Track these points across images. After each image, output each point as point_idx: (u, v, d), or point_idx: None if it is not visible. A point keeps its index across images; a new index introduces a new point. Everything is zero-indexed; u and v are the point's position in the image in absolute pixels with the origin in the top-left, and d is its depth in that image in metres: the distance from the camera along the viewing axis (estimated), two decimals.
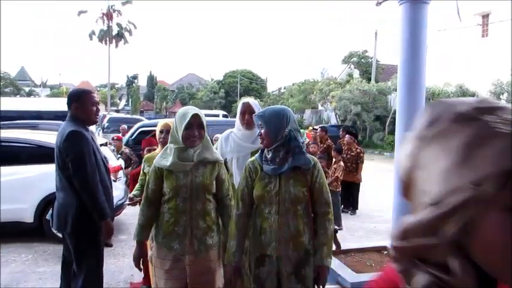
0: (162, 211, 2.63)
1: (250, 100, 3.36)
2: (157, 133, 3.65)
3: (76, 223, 3.04)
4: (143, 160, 3.74)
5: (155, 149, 4.05)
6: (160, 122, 3.73)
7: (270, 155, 2.36)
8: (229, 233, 2.47)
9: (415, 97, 3.56)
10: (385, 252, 3.87)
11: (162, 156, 2.64)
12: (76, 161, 2.97)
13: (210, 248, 2.62)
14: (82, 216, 3.03)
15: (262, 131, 2.33)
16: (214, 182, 2.64)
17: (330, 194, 2.43)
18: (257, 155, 2.48)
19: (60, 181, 3.12)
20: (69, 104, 3.16)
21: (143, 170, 3.69)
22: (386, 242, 4.26)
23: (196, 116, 2.54)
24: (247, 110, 3.21)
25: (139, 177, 3.80)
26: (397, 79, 3.76)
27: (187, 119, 2.51)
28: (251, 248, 2.42)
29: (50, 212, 3.30)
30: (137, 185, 3.79)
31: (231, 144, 3.24)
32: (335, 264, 3.46)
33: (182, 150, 2.57)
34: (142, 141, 4.88)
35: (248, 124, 3.18)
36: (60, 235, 5.50)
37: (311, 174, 2.36)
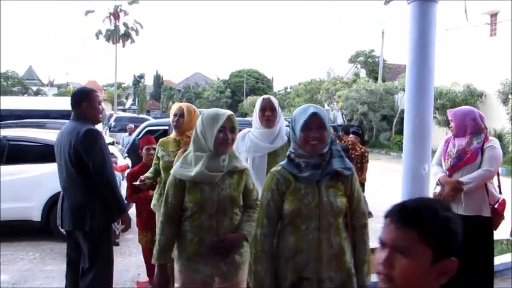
0: (184, 229, 2.31)
1: (271, 96, 3.16)
2: (171, 117, 3.63)
3: (94, 221, 3.06)
4: (158, 144, 3.70)
5: (154, 148, 4.03)
6: (174, 105, 3.70)
7: (305, 160, 2.05)
8: (255, 256, 2.12)
9: (423, 97, 3.52)
10: None
11: (183, 166, 2.30)
12: (99, 160, 3.02)
13: (239, 267, 2.35)
14: (99, 215, 3.08)
15: (317, 135, 2.01)
16: (241, 194, 2.35)
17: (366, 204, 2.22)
18: (284, 163, 2.13)
19: (71, 180, 3.11)
20: (77, 102, 3.15)
21: (157, 154, 3.65)
22: None
23: (230, 118, 2.27)
24: (268, 106, 3.01)
25: (153, 162, 3.78)
26: (406, 79, 3.73)
27: (222, 121, 2.22)
28: (284, 271, 2.06)
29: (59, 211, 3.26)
30: (151, 169, 3.79)
31: (248, 144, 3.05)
32: None
33: (211, 158, 2.25)
34: (141, 140, 4.77)
35: (268, 122, 3.00)
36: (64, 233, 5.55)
37: (350, 181, 2.09)
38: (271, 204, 2.08)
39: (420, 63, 3.56)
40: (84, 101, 3.14)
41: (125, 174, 6.47)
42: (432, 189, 3.70)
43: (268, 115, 3.00)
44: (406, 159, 3.64)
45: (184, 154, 2.40)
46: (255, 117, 3.12)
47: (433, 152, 3.80)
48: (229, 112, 2.30)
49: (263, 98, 3.11)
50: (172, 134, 3.67)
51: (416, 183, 3.56)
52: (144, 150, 4.39)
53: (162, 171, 3.53)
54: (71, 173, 3.09)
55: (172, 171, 2.33)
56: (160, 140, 3.71)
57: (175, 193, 2.29)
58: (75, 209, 3.10)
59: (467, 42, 18.13)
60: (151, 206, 3.74)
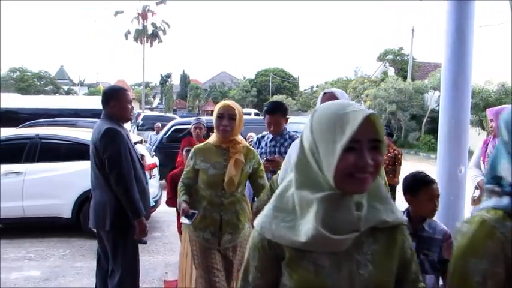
0: None
1: (335, 89, 2.38)
2: (214, 119, 2.81)
3: (114, 221, 3.05)
4: (193, 152, 2.90)
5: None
6: (218, 105, 2.87)
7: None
8: None
9: (460, 96, 3.37)
10: None
11: (278, 216, 1.16)
12: (112, 158, 2.97)
13: None
14: (120, 214, 3.04)
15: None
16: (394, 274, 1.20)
17: None
18: (497, 201, 1.12)
19: (96, 179, 3.13)
20: (106, 101, 3.15)
21: (194, 165, 2.87)
22: None
23: (374, 120, 1.08)
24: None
25: (184, 176, 2.95)
26: (441, 77, 3.59)
27: (357, 123, 1.03)
28: None
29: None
30: (182, 188, 2.92)
31: None
32: None
33: (334, 201, 1.09)
34: (182, 140, 4.68)
35: None
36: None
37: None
38: (489, 284, 1.06)
39: (457, 61, 3.42)
40: (113, 100, 3.13)
41: (153, 172, 6.53)
42: (470, 193, 3.56)
43: None
44: (440, 162, 3.51)
45: (278, 190, 1.23)
46: None
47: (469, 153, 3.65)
48: (365, 110, 1.07)
49: (324, 93, 2.36)
50: (213, 140, 2.89)
51: (451, 187, 3.42)
52: (184, 152, 4.28)
53: (204, 187, 2.85)
54: (95, 172, 3.12)
55: (258, 226, 1.19)
56: (196, 147, 2.96)
57: (264, 266, 1.19)
58: (97, 208, 3.12)
59: (501, 39, 17.51)
60: (181, 220, 2.95)
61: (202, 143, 2.99)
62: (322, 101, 2.21)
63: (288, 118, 3.55)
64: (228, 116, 2.78)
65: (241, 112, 2.87)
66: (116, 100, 3.13)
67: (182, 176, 2.99)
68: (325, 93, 2.35)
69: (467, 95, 3.44)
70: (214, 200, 2.83)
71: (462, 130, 3.42)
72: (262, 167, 2.98)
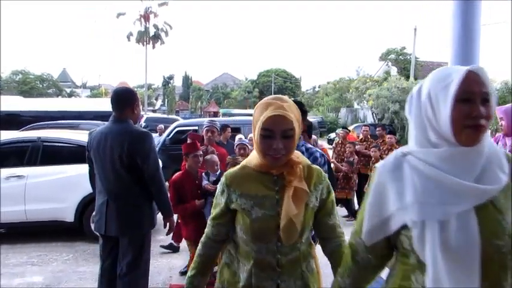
0: None
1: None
2: (255, 132, 1.67)
3: (142, 226, 3.10)
4: (224, 182, 1.77)
5: (201, 154, 3.99)
6: (263, 111, 1.65)
7: None
8: None
9: None
10: None
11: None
12: (153, 160, 3.05)
13: None
14: (148, 219, 3.14)
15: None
16: None
17: None
18: None
19: (121, 183, 3.05)
20: (128, 104, 3.09)
21: (228, 204, 1.75)
22: None
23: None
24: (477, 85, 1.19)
25: (212, 218, 1.83)
26: None
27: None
28: None
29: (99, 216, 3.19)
30: (200, 251, 1.86)
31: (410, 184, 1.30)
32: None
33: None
34: (184, 146, 4.28)
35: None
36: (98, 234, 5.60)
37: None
38: None
39: (464, 61, 3.36)
40: (130, 104, 3.10)
41: None
42: None
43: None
44: None
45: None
46: None
47: None
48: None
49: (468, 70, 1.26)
50: (254, 162, 1.76)
51: None
52: (190, 158, 4.09)
53: (248, 238, 1.71)
54: (121, 176, 3.04)
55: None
56: (229, 173, 1.80)
57: None
58: (123, 214, 3.06)
59: (504, 38, 17.42)
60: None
61: (238, 166, 1.83)
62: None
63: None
64: (281, 134, 1.63)
65: (298, 117, 1.70)
66: (136, 104, 3.13)
67: (209, 223, 1.84)
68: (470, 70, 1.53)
69: None
70: (266, 258, 1.70)
71: None
72: (333, 197, 1.83)
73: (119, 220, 3.07)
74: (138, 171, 3.02)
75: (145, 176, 3.03)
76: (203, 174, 4.17)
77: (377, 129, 8.87)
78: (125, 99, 3.12)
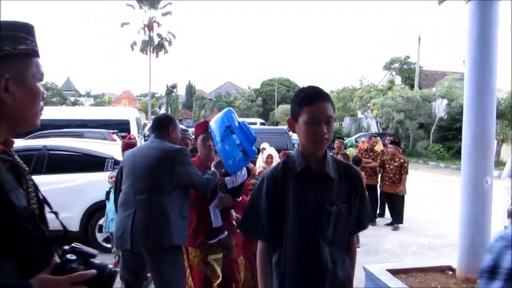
0: None
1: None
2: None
3: (177, 236, 3.03)
4: None
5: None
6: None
7: None
8: None
9: (485, 103, 3.23)
10: (451, 272, 3.53)
11: None
12: (197, 176, 3.12)
13: None
14: (182, 228, 3.10)
15: None
16: None
17: None
18: None
19: (150, 197, 3.01)
20: (165, 126, 3.26)
21: None
22: (448, 260, 3.90)
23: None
24: None
25: None
26: (464, 83, 3.45)
27: None
28: None
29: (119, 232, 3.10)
30: None
31: None
32: (396, 285, 3.16)
33: None
34: (196, 126, 3.76)
35: None
36: (107, 246, 5.51)
37: None
38: None
39: (481, 66, 3.29)
40: (166, 127, 3.26)
41: None
42: (498, 204, 3.39)
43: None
44: (465, 172, 3.35)
45: None
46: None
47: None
48: None
49: None
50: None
51: (477, 198, 3.27)
52: (199, 141, 3.49)
53: None
54: (155, 191, 3.02)
55: None
56: None
57: None
58: (153, 226, 2.97)
59: (507, 47, 17.36)
60: None
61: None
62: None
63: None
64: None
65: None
66: (172, 128, 3.28)
67: None
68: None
69: (492, 101, 3.31)
70: None
71: (488, 139, 3.28)
72: None
73: (148, 234, 2.96)
74: (167, 184, 3.02)
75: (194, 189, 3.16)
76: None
77: (387, 138, 8.93)
78: (162, 122, 3.33)
